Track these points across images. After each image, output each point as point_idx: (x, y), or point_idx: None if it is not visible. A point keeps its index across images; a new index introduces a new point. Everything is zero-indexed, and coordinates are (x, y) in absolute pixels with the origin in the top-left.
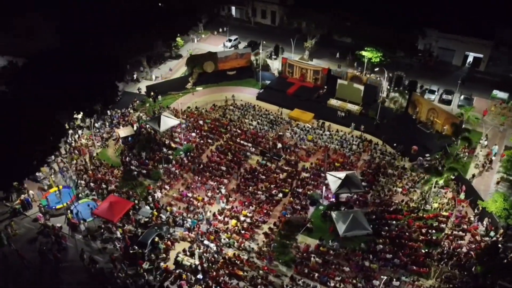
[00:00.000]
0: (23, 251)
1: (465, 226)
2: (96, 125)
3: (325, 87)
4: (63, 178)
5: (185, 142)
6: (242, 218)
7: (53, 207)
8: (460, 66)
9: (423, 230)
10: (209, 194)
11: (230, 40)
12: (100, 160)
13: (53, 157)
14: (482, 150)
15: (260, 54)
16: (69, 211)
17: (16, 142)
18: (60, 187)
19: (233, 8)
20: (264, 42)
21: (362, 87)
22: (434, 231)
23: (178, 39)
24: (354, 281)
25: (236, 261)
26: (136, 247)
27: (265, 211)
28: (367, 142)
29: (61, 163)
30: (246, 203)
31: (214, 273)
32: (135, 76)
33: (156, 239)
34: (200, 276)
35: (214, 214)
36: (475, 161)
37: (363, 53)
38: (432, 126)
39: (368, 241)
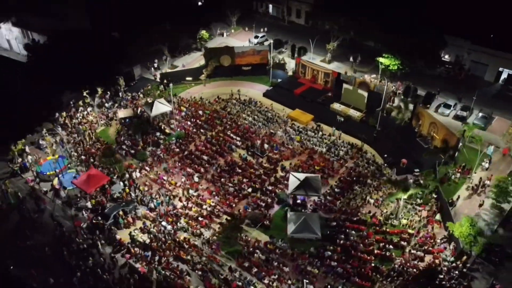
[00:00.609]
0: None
1: (428, 248)
2: (106, 105)
3: (329, 93)
4: (61, 149)
5: (178, 129)
6: (204, 206)
7: (45, 173)
8: (493, 83)
9: (381, 244)
10: (183, 180)
11: (257, 37)
12: (98, 136)
13: (60, 129)
14: (478, 173)
15: (276, 52)
16: (56, 178)
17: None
18: (57, 156)
19: (270, 6)
20: (288, 41)
21: (365, 94)
22: (392, 247)
23: (203, 31)
24: (290, 281)
25: (185, 245)
26: (100, 218)
27: (229, 203)
28: (356, 149)
29: (63, 135)
30: (214, 193)
31: (161, 253)
32: (156, 64)
33: (121, 213)
34: (147, 253)
35: (179, 199)
36: (468, 183)
37: (381, 59)
38: (431, 141)
39: (319, 246)
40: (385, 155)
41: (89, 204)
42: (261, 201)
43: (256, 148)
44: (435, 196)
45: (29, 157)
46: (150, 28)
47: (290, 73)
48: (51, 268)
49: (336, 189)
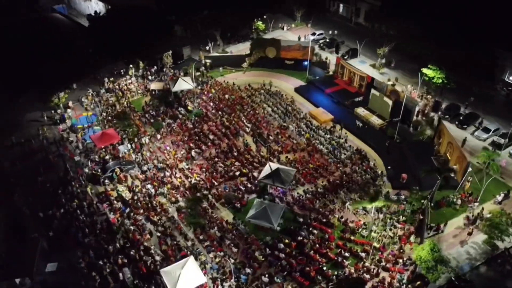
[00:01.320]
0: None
1: (388, 265)
2: (150, 77)
3: (360, 97)
4: (97, 108)
5: (199, 108)
6: (190, 179)
7: (76, 126)
8: None
9: (339, 250)
10: (182, 152)
11: (314, 34)
12: (130, 103)
13: (103, 91)
14: (487, 206)
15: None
16: (83, 131)
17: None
18: (90, 113)
19: (341, 6)
20: (345, 42)
21: (390, 102)
22: (348, 255)
23: (259, 22)
24: (232, 260)
25: (157, 208)
26: (99, 170)
27: (213, 180)
28: (359, 156)
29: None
30: (203, 169)
31: (136, 210)
32: (208, 46)
33: (117, 170)
34: (124, 207)
35: (171, 168)
36: (469, 212)
37: (425, 70)
38: (446, 162)
39: (277, 238)
40: (389, 167)
41: (96, 157)
42: (242, 185)
43: (261, 137)
44: (421, 217)
45: (69, 110)
46: (210, 14)
47: (330, 72)
48: (45, 201)
49: (319, 189)
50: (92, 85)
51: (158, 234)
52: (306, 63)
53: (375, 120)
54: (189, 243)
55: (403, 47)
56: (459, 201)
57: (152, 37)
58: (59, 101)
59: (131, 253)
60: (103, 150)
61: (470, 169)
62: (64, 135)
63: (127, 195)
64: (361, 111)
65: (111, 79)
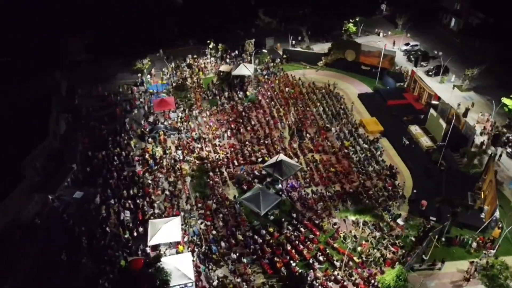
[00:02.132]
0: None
1: (358, 281)
2: (227, 60)
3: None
4: (171, 78)
5: (256, 95)
6: (215, 154)
7: (149, 89)
8: None
9: (317, 253)
10: (222, 130)
11: (408, 44)
12: (199, 79)
13: (183, 65)
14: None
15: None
16: (152, 95)
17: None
18: (164, 82)
19: (453, 19)
20: (439, 57)
21: (444, 125)
22: (323, 259)
23: (350, 25)
24: (214, 232)
25: (177, 171)
26: (147, 130)
27: (234, 160)
28: (387, 172)
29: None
30: (232, 149)
31: (159, 167)
32: (293, 41)
33: (161, 131)
34: (152, 164)
35: (205, 141)
36: (480, 259)
37: (506, 101)
38: (479, 201)
39: (264, 224)
40: (414, 190)
41: (151, 119)
42: (258, 172)
43: (299, 133)
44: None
45: (148, 76)
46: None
47: (404, 84)
48: (97, 143)
49: (328, 193)
50: (176, 59)
51: (167, 193)
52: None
53: (424, 141)
54: (188, 207)
55: (496, 71)
56: (474, 244)
57: (236, 23)
58: (142, 66)
59: (138, 201)
60: (160, 113)
61: (497, 213)
62: (136, 95)
63: (159, 155)
64: (414, 129)
65: (195, 56)
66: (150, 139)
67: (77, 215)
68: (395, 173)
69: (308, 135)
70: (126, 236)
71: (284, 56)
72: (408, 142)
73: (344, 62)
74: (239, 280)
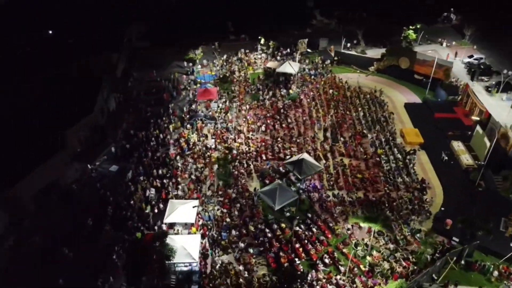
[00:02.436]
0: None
1: None
2: (278, 57)
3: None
4: (220, 71)
5: (298, 94)
6: (246, 147)
7: (198, 79)
8: None
9: (324, 255)
10: (258, 124)
11: (471, 57)
12: (247, 74)
13: (234, 58)
14: None
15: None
16: (199, 85)
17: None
18: (213, 73)
19: None
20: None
21: (488, 144)
22: (329, 262)
23: (410, 31)
24: (227, 219)
25: (207, 158)
26: (187, 116)
27: (262, 154)
28: (417, 185)
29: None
30: (263, 144)
31: (191, 153)
32: (348, 44)
33: (199, 119)
34: (186, 149)
35: (238, 133)
36: None
37: None
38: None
39: (278, 220)
40: (442, 208)
41: (193, 106)
42: (283, 168)
43: (333, 135)
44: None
45: (199, 66)
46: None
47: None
48: (141, 125)
49: (349, 198)
50: (228, 52)
51: (193, 177)
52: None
53: (465, 159)
54: (209, 193)
55: None
56: (496, 273)
57: (292, 22)
58: (195, 57)
59: (164, 181)
60: (203, 102)
61: None
62: (185, 83)
63: (193, 141)
64: (456, 144)
65: (247, 51)
66: (188, 125)
67: (109, 187)
68: (425, 188)
69: (342, 138)
70: (147, 211)
71: (336, 58)
72: (447, 158)
73: (397, 69)
74: (241, 268)
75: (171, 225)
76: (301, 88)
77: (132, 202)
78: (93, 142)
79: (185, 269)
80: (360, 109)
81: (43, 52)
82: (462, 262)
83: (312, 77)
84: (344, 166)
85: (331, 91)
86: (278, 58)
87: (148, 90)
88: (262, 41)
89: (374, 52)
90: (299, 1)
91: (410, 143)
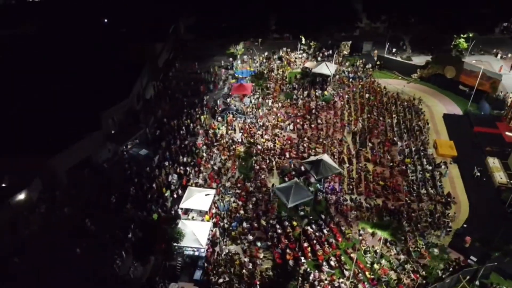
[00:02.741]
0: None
1: None
2: (319, 58)
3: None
4: (259, 67)
5: (333, 96)
6: (271, 143)
7: (236, 74)
8: None
9: (331, 257)
10: (287, 122)
11: None
12: (285, 72)
13: (275, 57)
14: None
15: None
16: (236, 80)
17: None
18: (252, 69)
19: None
20: None
21: None
22: (335, 265)
23: (461, 40)
24: (241, 211)
25: (230, 150)
26: (219, 109)
27: (286, 152)
28: (442, 199)
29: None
30: (289, 142)
31: (217, 144)
32: (393, 49)
33: (230, 113)
34: (213, 140)
35: (265, 127)
36: None
37: None
38: None
39: (290, 217)
40: (464, 225)
41: (228, 100)
42: (302, 168)
43: (362, 139)
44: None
45: (238, 61)
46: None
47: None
48: (175, 113)
49: (366, 205)
50: (270, 50)
51: (216, 168)
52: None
53: (498, 177)
54: (228, 184)
55: None
56: None
57: (339, 24)
58: (236, 52)
59: (188, 169)
60: (237, 96)
61: None
62: (223, 77)
63: (221, 133)
64: (491, 161)
65: (288, 50)
66: (219, 118)
67: (136, 169)
68: (450, 202)
69: (370, 144)
70: (166, 195)
71: (378, 63)
72: (479, 174)
73: (442, 78)
74: (246, 259)
75: (186, 211)
76: (337, 90)
77: (154, 185)
78: (127, 126)
79: (191, 253)
80: (394, 116)
81: (97, 38)
82: (477, 282)
83: (350, 80)
84: (368, 171)
85: (367, 95)
86: (319, 59)
87: (187, 81)
88: (303, 40)
89: (420, 59)
90: (346, 3)
91: (442, 155)
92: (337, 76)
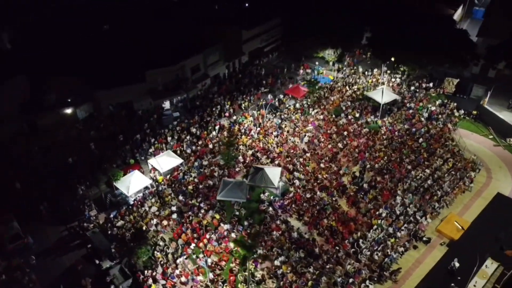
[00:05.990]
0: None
1: None
2: (411, 88)
3: None
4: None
5: (379, 124)
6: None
7: (313, 78)
8: None
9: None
10: (308, 134)
11: None
12: (359, 89)
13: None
14: None
15: None
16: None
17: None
18: (332, 77)
19: None
20: None
21: None
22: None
23: None
24: (190, 187)
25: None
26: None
27: (278, 159)
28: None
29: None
30: (292, 151)
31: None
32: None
33: (265, 108)
34: (232, 125)
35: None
36: None
37: None
38: None
39: (221, 210)
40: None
41: (280, 97)
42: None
43: (359, 180)
44: None
45: (322, 67)
46: None
47: None
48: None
49: (297, 235)
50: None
51: (211, 146)
52: None
53: (476, 282)
54: (205, 163)
55: None
56: None
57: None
58: (328, 58)
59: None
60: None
61: None
62: (298, 78)
63: (245, 122)
64: (489, 262)
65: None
66: (256, 109)
67: (167, 119)
68: (385, 277)
69: (367, 186)
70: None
71: (474, 112)
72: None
73: None
74: (154, 221)
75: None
76: (392, 122)
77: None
78: (168, 86)
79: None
80: (429, 170)
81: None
82: None
83: (422, 118)
84: (335, 209)
85: (420, 140)
86: (412, 88)
87: (267, 71)
88: (401, 68)
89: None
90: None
91: (438, 231)
92: (395, 108)
